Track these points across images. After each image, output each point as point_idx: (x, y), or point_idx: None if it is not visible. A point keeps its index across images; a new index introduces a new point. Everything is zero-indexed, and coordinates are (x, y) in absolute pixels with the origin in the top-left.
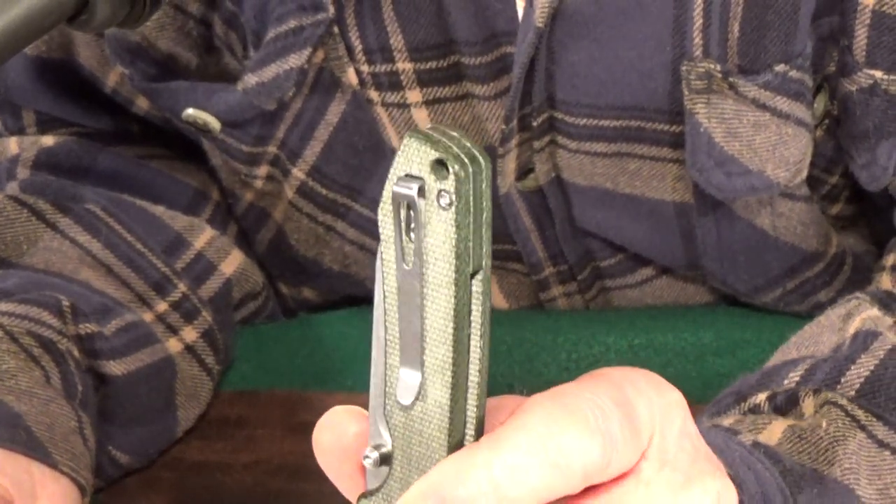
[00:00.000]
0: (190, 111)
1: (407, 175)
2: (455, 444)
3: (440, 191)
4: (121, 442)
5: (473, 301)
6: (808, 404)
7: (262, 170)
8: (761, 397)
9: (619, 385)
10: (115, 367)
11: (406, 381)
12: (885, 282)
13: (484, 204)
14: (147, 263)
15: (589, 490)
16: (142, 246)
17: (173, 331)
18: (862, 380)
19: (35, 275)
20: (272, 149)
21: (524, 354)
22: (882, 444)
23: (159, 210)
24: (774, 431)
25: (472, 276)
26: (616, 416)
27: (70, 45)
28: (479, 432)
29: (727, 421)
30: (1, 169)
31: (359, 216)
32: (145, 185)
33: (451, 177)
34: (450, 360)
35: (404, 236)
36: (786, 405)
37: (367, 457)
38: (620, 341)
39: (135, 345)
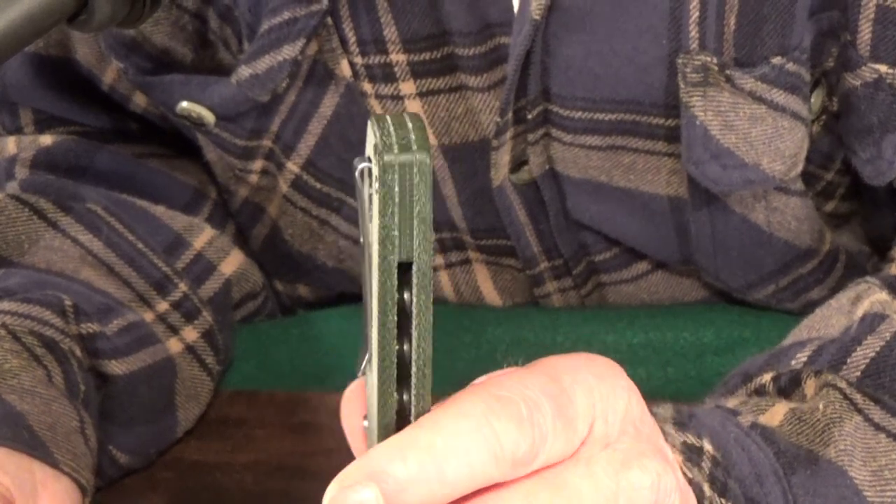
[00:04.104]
0: (184, 104)
1: (368, 157)
2: (384, 426)
3: (375, 175)
4: (121, 442)
5: (415, 294)
6: (809, 386)
7: (257, 164)
8: (766, 378)
9: (556, 376)
10: (116, 367)
11: (364, 355)
12: (895, 268)
13: (416, 197)
14: (148, 263)
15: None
16: (143, 245)
17: (174, 331)
18: (867, 361)
19: (37, 274)
20: (266, 142)
21: (523, 354)
22: (878, 427)
23: (159, 210)
24: (776, 414)
25: (408, 267)
26: (549, 409)
27: (67, 41)
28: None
29: (731, 402)
30: None
31: (353, 210)
32: (144, 183)
33: (378, 163)
34: (376, 344)
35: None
36: (789, 386)
37: (364, 425)
38: (619, 340)
39: (136, 345)
